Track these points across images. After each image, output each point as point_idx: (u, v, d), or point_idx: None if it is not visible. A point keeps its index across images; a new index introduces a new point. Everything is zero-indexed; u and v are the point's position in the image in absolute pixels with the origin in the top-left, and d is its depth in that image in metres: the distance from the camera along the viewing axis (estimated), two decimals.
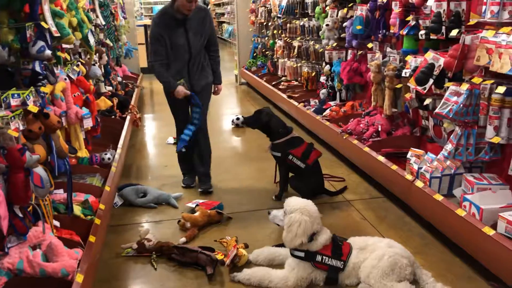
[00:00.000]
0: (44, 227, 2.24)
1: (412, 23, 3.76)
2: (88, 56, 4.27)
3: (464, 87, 2.96)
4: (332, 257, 2.72)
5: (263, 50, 9.68)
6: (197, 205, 3.76)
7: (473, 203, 2.79)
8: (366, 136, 4.41)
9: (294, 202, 2.80)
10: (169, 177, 4.62)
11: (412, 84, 3.51)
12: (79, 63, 3.77)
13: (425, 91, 3.39)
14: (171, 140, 5.84)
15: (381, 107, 4.45)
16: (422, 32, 3.59)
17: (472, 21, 2.93)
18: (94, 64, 4.31)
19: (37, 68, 2.61)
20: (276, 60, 8.66)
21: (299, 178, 3.98)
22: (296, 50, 7.13)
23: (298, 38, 7.19)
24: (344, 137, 4.60)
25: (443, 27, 3.31)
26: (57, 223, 2.73)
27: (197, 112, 3.96)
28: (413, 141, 4.18)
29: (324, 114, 5.46)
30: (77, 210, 2.96)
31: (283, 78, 8.10)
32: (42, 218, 2.23)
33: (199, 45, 3.89)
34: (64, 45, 3.30)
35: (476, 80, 2.92)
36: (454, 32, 3.15)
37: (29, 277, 2.17)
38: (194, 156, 4.22)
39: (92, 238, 2.68)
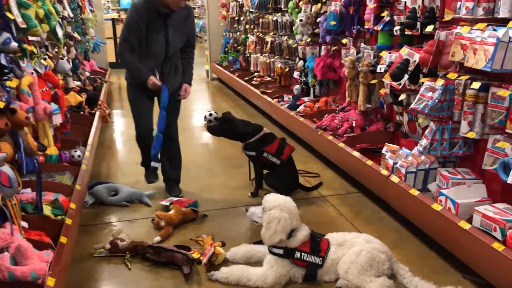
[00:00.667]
0: (12, 229, 2.12)
1: (387, 18, 3.77)
2: (56, 50, 4.11)
3: (440, 82, 2.99)
4: (310, 253, 2.71)
5: (235, 45, 9.61)
6: (171, 203, 3.68)
7: (449, 198, 2.83)
8: (340, 131, 4.42)
9: (273, 199, 2.76)
10: (142, 175, 4.47)
11: (387, 79, 3.53)
12: (46, 56, 3.61)
13: (400, 87, 3.41)
14: None
15: (355, 102, 4.46)
16: (397, 27, 3.61)
17: (447, 17, 2.95)
18: (62, 58, 4.15)
19: (2, 61, 2.47)
20: (248, 55, 8.61)
21: (274, 174, 3.95)
22: (269, 46, 7.09)
23: (271, 33, 7.15)
24: (319, 133, 4.59)
25: (418, 23, 3.33)
26: (25, 224, 2.61)
27: (162, 118, 3.63)
28: (387, 136, 4.22)
29: (298, 110, 5.46)
30: (47, 210, 2.83)
31: (256, 73, 8.06)
32: (10, 220, 2.11)
33: (178, 44, 3.65)
34: (30, 38, 3.15)
35: (451, 75, 2.95)
36: (429, 28, 3.18)
37: None
38: (164, 162, 3.96)
39: (63, 239, 2.57)
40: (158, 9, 3.42)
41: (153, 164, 3.72)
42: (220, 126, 3.94)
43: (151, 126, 3.83)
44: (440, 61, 3.07)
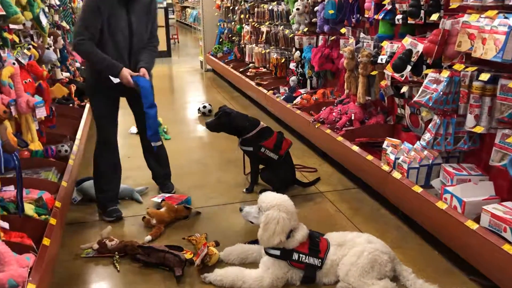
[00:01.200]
0: None
1: (388, 7, 3.61)
2: (41, 39, 3.92)
3: (445, 74, 2.84)
4: (309, 254, 2.57)
5: (230, 35, 9.41)
6: (163, 199, 3.53)
7: (455, 196, 2.69)
8: (339, 125, 4.27)
9: (270, 198, 2.61)
10: (132, 170, 4.34)
11: (389, 71, 3.37)
12: (30, 46, 3.42)
13: (402, 79, 3.25)
14: (133, 129, 5.51)
15: (354, 95, 4.31)
16: (399, 16, 3.45)
17: (454, 5, 2.79)
18: (48, 48, 3.96)
19: None
20: (243, 46, 8.42)
21: (270, 170, 3.81)
22: (264, 36, 6.90)
23: (267, 23, 6.96)
24: (316, 126, 4.44)
25: (422, 11, 3.17)
26: (5, 225, 2.44)
27: (153, 117, 3.22)
28: (387, 130, 4.08)
29: (294, 102, 5.30)
30: (30, 209, 2.67)
31: (251, 64, 7.88)
32: None
33: (143, 34, 3.22)
34: (11, 26, 2.97)
35: (458, 66, 2.80)
36: (434, 17, 3.02)
37: None
38: (150, 160, 3.75)
39: (46, 241, 2.42)
40: None
41: (154, 143, 3.35)
42: (218, 120, 3.75)
43: (116, 136, 3.44)
44: (445, 52, 2.92)
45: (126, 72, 3.09)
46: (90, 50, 3.05)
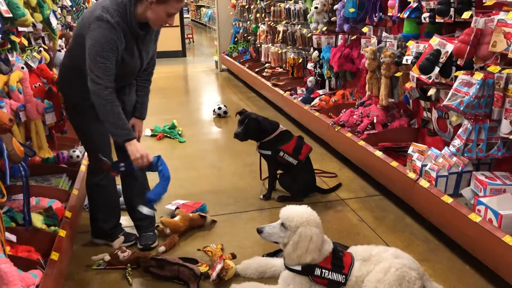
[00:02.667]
0: None
1: (414, 5, 3.41)
2: (52, 41, 3.81)
3: (478, 76, 2.64)
4: (332, 270, 2.40)
5: (245, 34, 9.27)
6: (177, 207, 3.40)
7: (490, 208, 2.49)
8: (360, 128, 4.09)
9: (297, 213, 2.41)
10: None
11: (415, 72, 3.18)
12: (41, 49, 3.32)
13: (430, 81, 3.06)
14: (148, 132, 5.43)
15: (376, 96, 4.13)
16: (426, 14, 3.25)
17: (489, 2, 2.59)
18: (60, 50, 3.85)
19: None
20: (259, 45, 8.26)
21: (289, 175, 3.64)
22: (281, 35, 6.73)
23: (283, 22, 6.80)
24: (336, 129, 4.27)
25: (451, 9, 2.98)
26: (13, 238, 2.33)
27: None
28: (411, 134, 3.89)
29: (312, 103, 5.13)
30: (38, 220, 2.55)
31: (267, 64, 7.73)
32: None
33: (148, 61, 2.82)
34: (20, 28, 2.85)
35: (493, 68, 2.60)
36: (466, 15, 2.82)
37: None
38: (115, 199, 3.05)
39: (54, 255, 2.29)
40: (133, 27, 2.50)
41: (146, 211, 2.83)
42: (246, 128, 3.53)
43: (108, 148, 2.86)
44: (478, 52, 2.72)
45: (138, 146, 2.55)
46: (110, 100, 2.45)
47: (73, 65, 2.63)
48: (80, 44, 2.48)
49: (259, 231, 2.48)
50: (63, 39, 4.09)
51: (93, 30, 2.39)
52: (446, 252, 2.89)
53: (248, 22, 8.93)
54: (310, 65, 5.81)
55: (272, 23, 7.32)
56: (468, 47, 2.68)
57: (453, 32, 3.21)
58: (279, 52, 7.10)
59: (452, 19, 3.00)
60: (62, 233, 2.53)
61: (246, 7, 8.84)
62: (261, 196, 3.69)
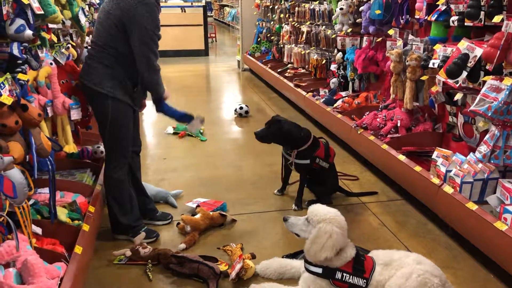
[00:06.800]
0: (17, 243, 1.88)
1: (443, 7, 3.36)
2: (80, 38, 3.87)
3: (508, 82, 2.59)
4: (353, 274, 2.38)
5: (268, 35, 9.26)
6: (198, 205, 3.41)
7: None
8: (383, 131, 4.05)
9: (323, 211, 2.42)
10: (168, 172, 4.27)
11: (442, 76, 3.13)
12: (69, 45, 3.37)
13: (457, 85, 3.01)
14: (170, 129, 5.48)
15: (400, 100, 4.07)
16: (455, 18, 3.20)
17: None
18: (87, 47, 3.91)
19: (15, 51, 2.22)
20: (282, 46, 8.25)
21: (317, 179, 3.61)
22: (304, 36, 6.71)
23: (307, 23, 6.77)
24: (359, 132, 4.23)
25: (482, 12, 2.92)
26: (38, 230, 2.38)
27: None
28: (436, 138, 3.83)
29: (335, 105, 5.10)
30: (63, 214, 2.60)
31: (289, 65, 7.71)
32: (15, 233, 1.86)
33: None
34: (50, 25, 2.91)
35: None
36: (497, 19, 2.76)
37: None
38: (133, 193, 3.09)
39: (78, 249, 2.33)
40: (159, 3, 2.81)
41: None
42: (269, 130, 3.44)
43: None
44: (508, 57, 2.66)
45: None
46: (160, 79, 2.89)
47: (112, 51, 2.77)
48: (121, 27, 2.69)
49: (285, 219, 2.51)
50: (90, 36, 4.14)
51: (143, 6, 2.63)
52: (470, 260, 2.84)
53: (272, 22, 8.92)
54: (333, 67, 5.77)
55: (296, 24, 7.30)
56: (498, 51, 2.63)
57: (482, 36, 3.15)
58: (302, 52, 7.08)
59: (482, 22, 2.95)
60: (86, 227, 2.57)
61: (270, 7, 8.83)
62: (294, 207, 3.54)
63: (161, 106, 3.07)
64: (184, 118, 3.14)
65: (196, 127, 3.22)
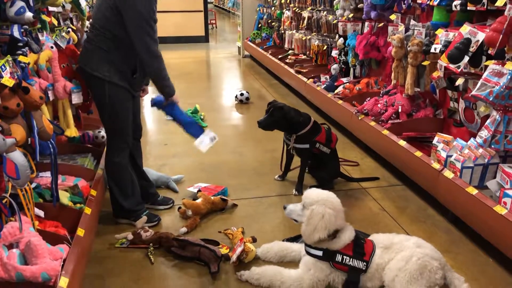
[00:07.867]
0: (21, 224, 1.89)
1: None
2: (80, 22, 3.85)
3: (510, 66, 2.58)
4: (353, 257, 2.40)
5: (269, 21, 9.20)
6: (199, 190, 3.43)
7: None
8: (384, 117, 4.05)
9: (315, 193, 2.45)
10: (169, 157, 4.28)
11: (443, 61, 3.13)
12: (69, 29, 3.36)
13: (459, 70, 3.00)
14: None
15: (401, 85, 4.07)
16: (457, 2, 3.18)
17: None
18: (87, 31, 3.89)
19: (16, 34, 2.22)
20: (283, 31, 8.20)
21: (319, 165, 3.62)
22: (305, 22, 6.67)
23: (309, 9, 6.73)
24: (360, 118, 4.23)
25: None
26: (41, 213, 2.40)
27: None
28: (437, 124, 3.83)
29: (336, 91, 5.09)
30: (65, 197, 2.61)
31: (290, 51, 7.68)
32: (18, 214, 1.87)
33: None
34: (50, 8, 2.89)
35: None
36: (500, 2, 2.75)
37: (3, 282, 1.84)
38: (134, 178, 3.08)
39: (80, 232, 2.35)
40: None
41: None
42: (271, 117, 3.42)
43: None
44: (511, 41, 2.65)
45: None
46: (163, 65, 2.78)
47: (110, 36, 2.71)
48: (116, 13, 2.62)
49: (284, 208, 2.56)
50: (91, 20, 4.12)
51: None
52: (469, 244, 2.86)
53: (273, 8, 8.87)
54: (334, 52, 5.75)
55: (297, 9, 7.25)
56: (501, 36, 2.62)
57: (484, 21, 3.14)
58: (303, 38, 7.04)
59: (485, 7, 2.93)
60: (88, 210, 2.59)
61: None
62: (294, 192, 3.56)
63: (171, 109, 2.92)
64: (193, 128, 2.98)
65: (205, 144, 2.96)
